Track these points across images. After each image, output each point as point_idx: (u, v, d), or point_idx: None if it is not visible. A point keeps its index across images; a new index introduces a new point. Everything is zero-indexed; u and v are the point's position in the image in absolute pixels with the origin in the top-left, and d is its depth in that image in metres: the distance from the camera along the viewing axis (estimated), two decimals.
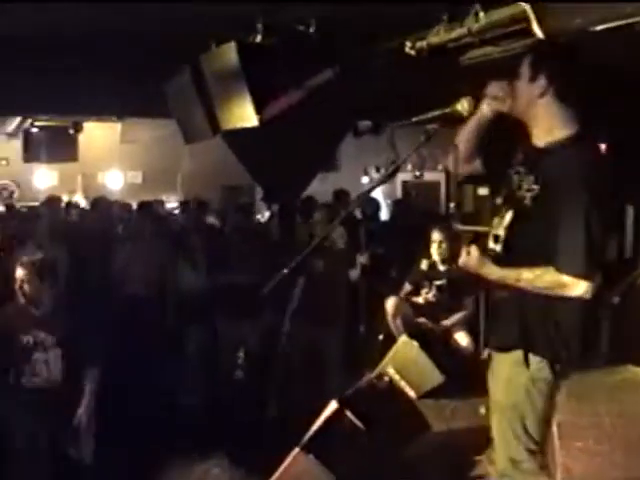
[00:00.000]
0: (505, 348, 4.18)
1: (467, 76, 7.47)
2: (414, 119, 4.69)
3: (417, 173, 16.67)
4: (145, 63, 8.56)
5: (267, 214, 14.98)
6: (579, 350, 4.08)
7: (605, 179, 4.02)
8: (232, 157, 9.85)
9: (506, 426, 4.20)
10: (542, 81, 4.14)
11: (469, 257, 4.16)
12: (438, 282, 8.86)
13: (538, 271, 3.92)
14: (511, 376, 4.12)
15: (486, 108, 4.49)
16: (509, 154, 4.47)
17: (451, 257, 8.87)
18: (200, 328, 10.49)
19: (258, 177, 10.91)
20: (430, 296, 8.86)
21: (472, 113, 4.55)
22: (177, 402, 10.15)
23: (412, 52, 7.11)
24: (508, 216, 4.12)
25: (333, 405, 5.44)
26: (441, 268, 8.97)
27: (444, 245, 8.87)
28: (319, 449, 5.31)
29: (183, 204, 15.39)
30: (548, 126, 4.19)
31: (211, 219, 13.15)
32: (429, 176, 16.94)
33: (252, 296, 8.98)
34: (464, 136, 4.64)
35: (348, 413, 5.01)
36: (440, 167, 16.35)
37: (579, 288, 3.82)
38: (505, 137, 4.69)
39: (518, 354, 4.06)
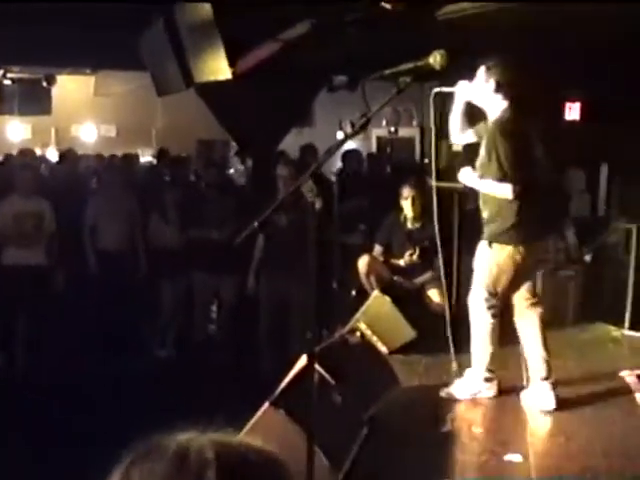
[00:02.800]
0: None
1: (442, 31, 7.48)
2: (387, 72, 4.68)
3: (392, 129, 16.61)
4: (119, 14, 8.46)
5: (241, 168, 14.93)
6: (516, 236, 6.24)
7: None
8: (207, 111, 9.76)
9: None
10: (493, 83, 6.10)
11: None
12: (422, 244, 8.67)
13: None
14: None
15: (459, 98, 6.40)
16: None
17: (422, 213, 8.75)
18: (174, 282, 10.50)
19: (232, 131, 10.82)
20: (414, 258, 8.72)
21: (444, 67, 4.57)
22: (153, 355, 10.23)
23: (388, 5, 7.05)
24: None
25: (303, 360, 5.41)
26: (416, 226, 8.82)
27: (417, 202, 8.70)
28: (289, 404, 5.31)
29: (157, 157, 15.19)
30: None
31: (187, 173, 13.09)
32: (404, 132, 16.84)
33: (226, 251, 9.04)
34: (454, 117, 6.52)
35: (318, 368, 4.97)
36: (415, 123, 16.30)
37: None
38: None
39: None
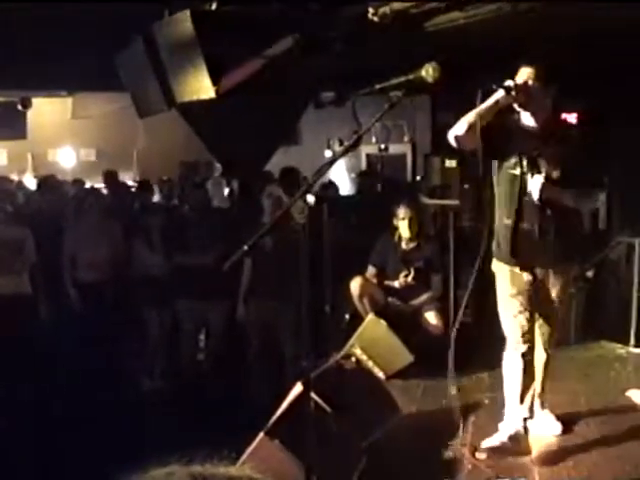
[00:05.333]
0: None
1: (431, 43, 7.31)
2: (377, 86, 4.55)
3: (382, 146, 16.41)
4: (96, 33, 8.26)
5: (226, 190, 14.72)
6: None
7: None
8: (189, 132, 9.58)
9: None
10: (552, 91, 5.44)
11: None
12: (417, 264, 8.52)
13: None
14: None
15: (506, 97, 5.28)
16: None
17: (418, 233, 8.61)
18: (160, 311, 10.25)
19: (217, 152, 10.64)
20: (409, 279, 8.53)
21: (437, 80, 4.41)
22: (140, 385, 10.02)
23: (375, 19, 6.90)
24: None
25: (298, 387, 5.23)
26: (411, 246, 8.66)
27: (414, 222, 8.53)
28: (284, 434, 5.14)
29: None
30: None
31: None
32: (394, 149, 16.63)
33: (212, 276, 8.80)
34: (480, 113, 5.29)
35: (314, 395, 4.77)
36: (406, 139, 16.13)
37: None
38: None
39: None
